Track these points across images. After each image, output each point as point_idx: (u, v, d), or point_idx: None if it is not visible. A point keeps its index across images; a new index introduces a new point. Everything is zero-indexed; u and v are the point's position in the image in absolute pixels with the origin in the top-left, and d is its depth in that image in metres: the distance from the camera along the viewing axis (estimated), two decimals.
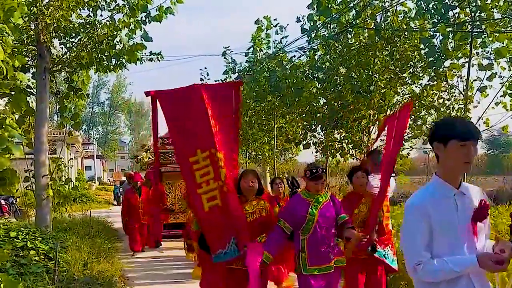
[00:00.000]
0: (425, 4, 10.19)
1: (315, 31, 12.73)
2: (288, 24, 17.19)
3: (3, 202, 19.39)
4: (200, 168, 5.27)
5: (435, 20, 9.97)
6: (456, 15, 10.42)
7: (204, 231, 5.43)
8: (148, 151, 15.87)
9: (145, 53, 11.24)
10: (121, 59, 10.94)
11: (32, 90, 10.64)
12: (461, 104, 10.68)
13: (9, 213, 18.80)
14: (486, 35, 9.87)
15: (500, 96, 10.59)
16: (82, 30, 10.61)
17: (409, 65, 11.52)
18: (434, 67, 10.41)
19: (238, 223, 5.23)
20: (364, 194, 6.15)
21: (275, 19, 17.93)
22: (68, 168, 17.40)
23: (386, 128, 6.28)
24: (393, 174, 7.16)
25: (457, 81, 10.97)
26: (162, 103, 5.56)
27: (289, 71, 14.37)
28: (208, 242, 5.36)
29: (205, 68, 20.71)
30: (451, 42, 10.29)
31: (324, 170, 5.55)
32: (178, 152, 5.59)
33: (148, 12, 10.72)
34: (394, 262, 6.24)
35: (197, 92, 5.39)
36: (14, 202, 19.29)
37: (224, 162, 5.25)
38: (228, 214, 5.23)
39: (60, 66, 10.98)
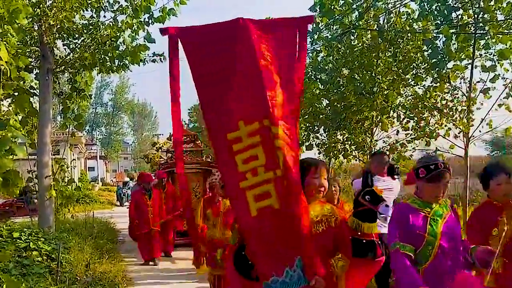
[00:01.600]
0: (428, 5, 10.17)
1: (317, 32, 12.72)
2: None
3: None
4: (243, 150, 3.46)
5: (438, 21, 9.96)
6: (459, 16, 10.39)
7: (250, 247, 3.51)
8: (160, 150, 14.89)
9: (148, 54, 11.26)
10: (124, 60, 10.96)
11: (35, 91, 10.66)
12: (464, 106, 10.65)
13: (27, 211, 18.80)
14: (489, 37, 9.85)
15: (503, 98, 10.56)
16: (85, 31, 10.64)
17: (412, 66, 11.50)
18: (437, 69, 10.39)
19: (305, 236, 3.37)
20: (505, 205, 4.27)
21: None
22: (71, 169, 17.41)
23: None
24: (397, 176, 7.15)
25: (460, 83, 10.94)
26: (188, 47, 3.56)
27: None
28: (255, 264, 3.51)
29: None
30: (454, 43, 10.27)
31: (448, 166, 3.87)
32: (210, 125, 3.56)
33: (151, 13, 10.73)
34: None
35: (244, 31, 3.50)
36: (31, 199, 19.15)
37: (284, 141, 3.37)
38: (289, 222, 3.37)
39: (63, 67, 11.01)
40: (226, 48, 3.53)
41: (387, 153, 11.64)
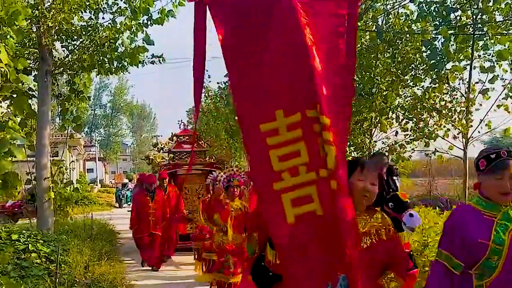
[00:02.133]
0: (427, 6, 10.17)
1: None
2: None
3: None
4: (280, 145, 2.81)
5: (437, 22, 9.96)
6: (458, 17, 10.40)
7: (283, 260, 2.88)
8: (162, 150, 14.33)
9: (146, 56, 11.25)
10: (122, 61, 10.95)
11: (34, 93, 10.64)
12: (463, 107, 10.65)
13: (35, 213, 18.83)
14: (488, 38, 9.86)
15: (502, 99, 10.57)
16: (84, 33, 10.63)
17: (411, 67, 11.50)
18: (436, 70, 10.40)
19: (352, 251, 2.73)
20: None
21: None
22: (69, 170, 17.39)
23: None
24: (396, 177, 7.14)
25: (459, 84, 10.94)
26: (217, 15, 2.87)
27: None
28: (288, 280, 2.89)
29: (207, 70, 20.73)
30: (453, 44, 10.27)
31: None
32: (242, 113, 2.92)
33: (150, 15, 10.73)
34: None
35: (285, 2, 2.85)
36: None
37: (332, 135, 2.73)
38: (334, 232, 2.73)
39: (62, 68, 11.00)
40: (263, 22, 2.86)
41: (386, 154, 11.65)
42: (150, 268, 10.83)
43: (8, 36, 4.49)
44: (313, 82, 2.76)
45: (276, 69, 2.84)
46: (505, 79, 10.45)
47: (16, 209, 20.66)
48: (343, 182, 2.75)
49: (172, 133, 13.68)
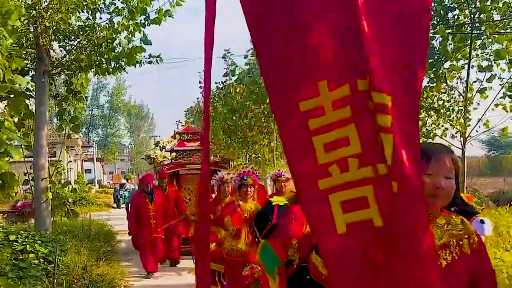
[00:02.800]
0: None
1: None
2: None
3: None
4: (326, 129, 2.01)
5: (435, 22, 9.97)
6: (456, 16, 10.41)
7: (335, 280, 2.16)
8: (164, 149, 13.49)
9: (144, 56, 11.23)
10: (120, 61, 10.94)
11: (31, 93, 10.62)
12: (461, 106, 10.66)
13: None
14: (485, 37, 9.87)
15: (500, 98, 10.57)
16: (81, 33, 10.61)
17: None
18: (433, 69, 10.41)
19: (427, 271, 1.94)
20: None
21: None
22: (67, 171, 17.37)
23: None
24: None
25: (457, 83, 10.95)
26: None
27: None
28: None
29: (204, 71, 20.67)
30: (451, 43, 10.28)
31: None
32: (271, 86, 2.10)
33: (147, 15, 10.71)
34: None
35: None
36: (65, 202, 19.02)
37: (391, 118, 1.90)
38: (400, 248, 1.94)
39: (59, 69, 10.97)
40: None
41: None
42: (147, 274, 10.27)
43: (1, 36, 4.46)
44: (363, 48, 1.93)
45: (315, 31, 2.02)
46: (503, 78, 10.47)
47: (26, 209, 20.80)
48: (414, 184, 1.90)
49: (174, 130, 13.20)
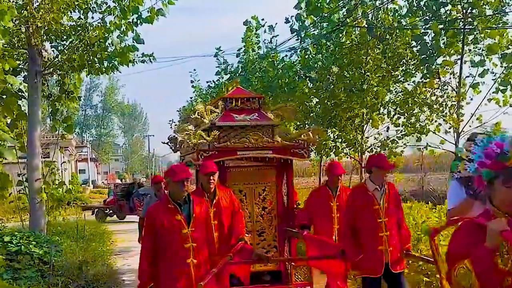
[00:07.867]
0: (416, 1, 10.22)
1: (304, 30, 12.74)
2: (276, 23, 17.14)
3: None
4: None
5: (427, 17, 10.01)
6: (448, 12, 10.44)
7: None
8: (198, 127, 6.53)
9: (137, 55, 11.19)
10: (113, 61, 10.89)
11: (23, 94, 10.56)
12: (454, 101, 10.70)
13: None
14: (478, 32, 9.91)
15: (493, 92, 10.63)
16: (73, 32, 10.56)
17: (401, 62, 11.53)
18: (426, 64, 10.45)
19: None
20: None
21: (262, 19, 18.04)
22: (61, 171, 17.32)
23: None
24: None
25: (450, 78, 11.00)
26: None
27: (281, 71, 14.37)
28: None
29: (194, 70, 20.72)
30: (443, 39, 10.32)
31: None
32: None
33: (139, 14, 10.66)
34: None
35: None
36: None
37: None
38: None
39: (52, 69, 10.92)
40: None
41: (378, 149, 11.69)
42: None
43: None
44: None
45: None
46: (495, 73, 10.53)
47: (112, 206, 21.26)
48: None
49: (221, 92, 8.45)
